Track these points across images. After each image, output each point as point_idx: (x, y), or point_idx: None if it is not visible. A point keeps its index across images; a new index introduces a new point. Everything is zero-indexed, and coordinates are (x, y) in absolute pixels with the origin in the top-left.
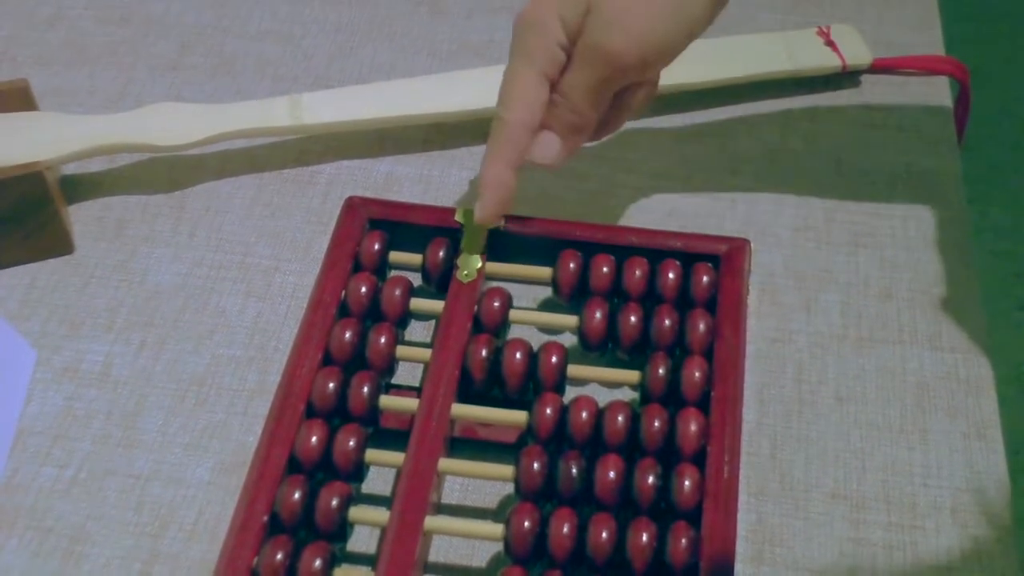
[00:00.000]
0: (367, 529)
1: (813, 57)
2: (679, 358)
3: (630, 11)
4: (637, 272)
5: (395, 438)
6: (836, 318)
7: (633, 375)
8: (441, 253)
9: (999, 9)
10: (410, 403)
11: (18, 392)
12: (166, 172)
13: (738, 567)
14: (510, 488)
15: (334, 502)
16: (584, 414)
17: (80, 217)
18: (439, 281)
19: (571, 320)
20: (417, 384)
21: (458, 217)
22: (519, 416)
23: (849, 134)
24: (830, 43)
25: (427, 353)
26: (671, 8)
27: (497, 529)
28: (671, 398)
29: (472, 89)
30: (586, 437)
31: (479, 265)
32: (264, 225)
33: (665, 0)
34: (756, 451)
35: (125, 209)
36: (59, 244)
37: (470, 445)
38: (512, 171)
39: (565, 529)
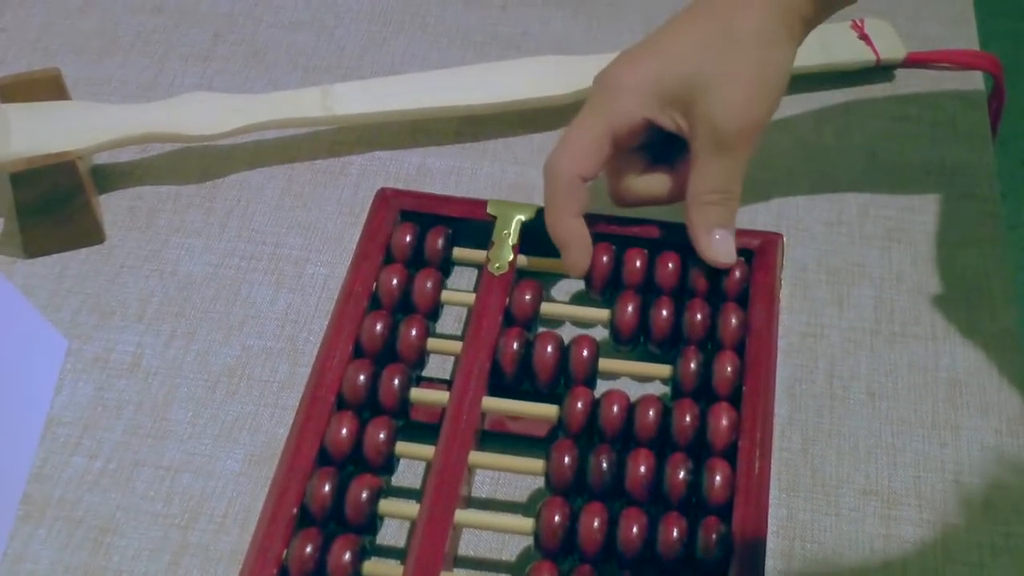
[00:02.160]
0: (397, 522)
1: (847, 51)
2: (711, 352)
3: (739, 86)
4: (669, 266)
5: (425, 431)
6: (868, 313)
7: (664, 369)
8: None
9: None
10: (441, 396)
11: (48, 381)
12: (197, 162)
13: (769, 563)
14: (540, 482)
15: (364, 495)
16: (615, 408)
17: (111, 207)
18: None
19: (603, 314)
20: (448, 377)
21: (490, 209)
22: (550, 410)
23: (882, 128)
24: (864, 37)
25: (458, 346)
26: (764, 73)
27: (527, 523)
28: (702, 392)
29: (505, 81)
30: (617, 431)
31: (511, 258)
32: (295, 216)
33: (756, 65)
34: (787, 446)
35: (156, 199)
36: (90, 234)
37: (500, 439)
38: (580, 220)
39: (595, 524)
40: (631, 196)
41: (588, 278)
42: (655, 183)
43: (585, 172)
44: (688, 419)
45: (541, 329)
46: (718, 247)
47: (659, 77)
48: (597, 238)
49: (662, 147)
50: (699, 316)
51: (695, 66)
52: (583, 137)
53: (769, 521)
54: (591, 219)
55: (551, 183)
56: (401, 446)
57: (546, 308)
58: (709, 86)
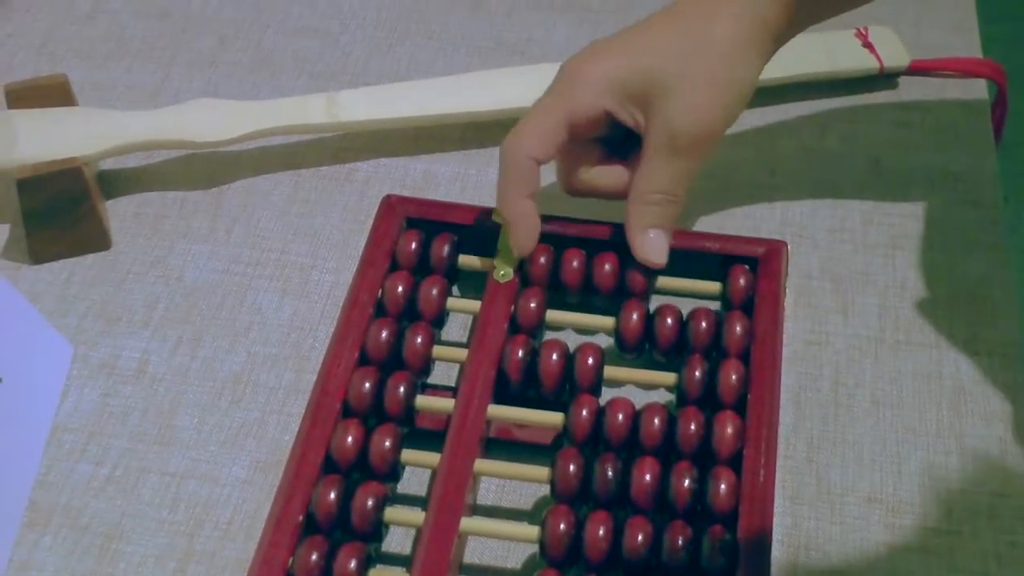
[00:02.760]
0: (402, 530)
1: (851, 59)
2: (715, 360)
3: (702, 93)
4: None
5: (431, 438)
6: (873, 321)
7: (669, 377)
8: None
9: None
10: (446, 403)
11: (54, 388)
12: (203, 168)
13: (773, 571)
14: (546, 490)
15: (370, 502)
16: (620, 416)
17: (117, 213)
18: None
19: (608, 321)
20: (453, 384)
21: (496, 217)
22: (555, 417)
23: (886, 135)
24: (868, 45)
25: (463, 353)
26: (727, 82)
27: (532, 531)
28: (707, 401)
29: (510, 87)
30: (622, 439)
31: (516, 266)
32: (301, 223)
33: (720, 73)
34: (792, 454)
35: (162, 205)
36: (96, 239)
37: (506, 446)
38: (532, 201)
39: (600, 532)
40: (582, 186)
41: (594, 285)
42: (608, 175)
43: (539, 155)
44: (693, 427)
45: (547, 336)
46: (650, 246)
47: (623, 71)
48: (602, 245)
49: (620, 141)
50: (704, 324)
51: (660, 65)
52: (541, 121)
53: (774, 529)
54: (595, 227)
55: (505, 163)
56: (406, 453)
57: (551, 316)
58: (670, 88)
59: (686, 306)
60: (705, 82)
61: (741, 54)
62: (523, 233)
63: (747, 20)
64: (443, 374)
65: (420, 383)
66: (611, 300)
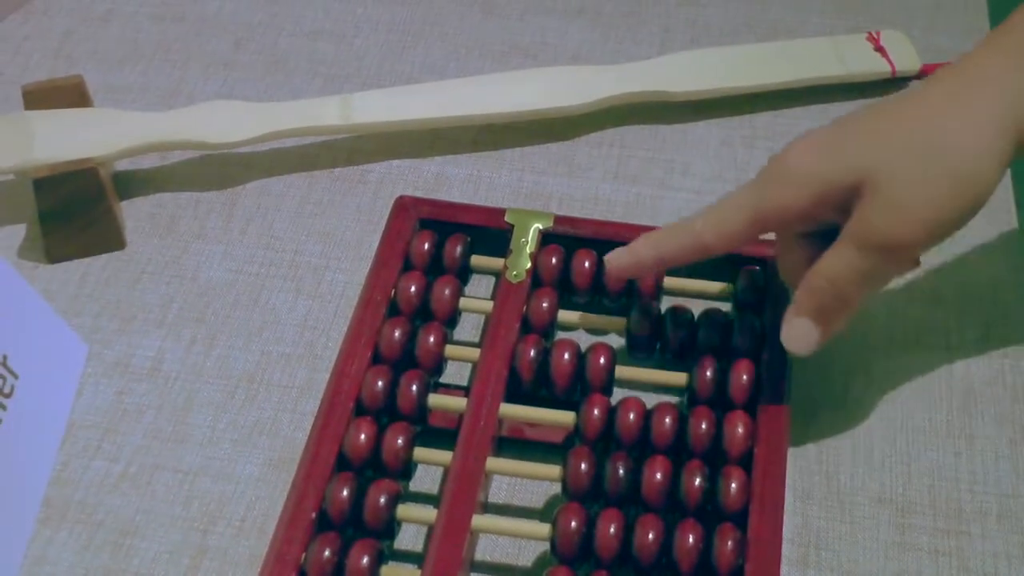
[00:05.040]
0: (414, 527)
1: (863, 62)
2: (726, 361)
3: (913, 194)
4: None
5: (443, 437)
6: (883, 321)
7: (681, 377)
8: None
9: None
10: (458, 402)
11: (69, 385)
12: (218, 170)
13: (783, 570)
14: (557, 488)
15: (382, 500)
16: (632, 415)
17: (132, 213)
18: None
19: (619, 322)
20: (465, 383)
21: (508, 218)
22: (567, 416)
23: None
24: (880, 49)
25: (476, 353)
26: (952, 183)
27: (544, 529)
28: (718, 401)
29: (523, 90)
30: (633, 438)
31: (528, 266)
32: (315, 223)
33: (946, 176)
34: (802, 454)
35: (177, 206)
36: (111, 240)
37: (518, 445)
38: (656, 262)
39: (612, 530)
40: (792, 278)
41: (604, 285)
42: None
43: (712, 245)
44: (704, 427)
45: (558, 336)
46: (791, 332)
47: (829, 171)
48: (614, 245)
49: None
50: (714, 325)
51: (873, 165)
52: (725, 215)
53: (784, 528)
54: (608, 226)
55: (679, 233)
56: (419, 451)
57: (563, 316)
58: (880, 185)
59: (697, 306)
60: (928, 189)
61: (984, 160)
62: (626, 259)
63: (1001, 121)
64: (456, 373)
65: (433, 382)
66: (622, 301)
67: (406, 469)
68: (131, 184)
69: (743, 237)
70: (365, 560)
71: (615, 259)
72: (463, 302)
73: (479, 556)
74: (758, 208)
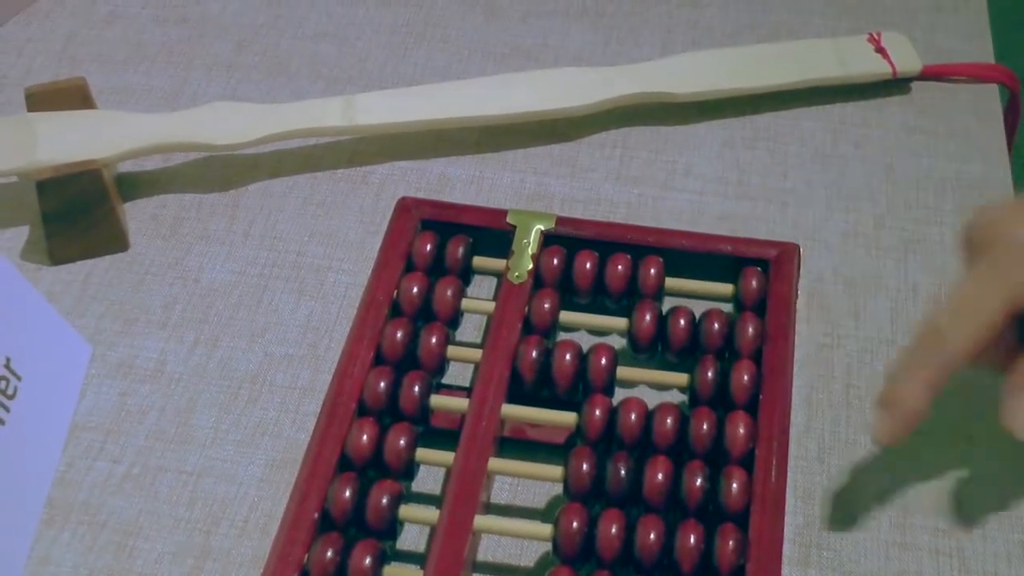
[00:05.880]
0: (417, 527)
1: (864, 64)
2: (728, 361)
3: None
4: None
5: (445, 437)
6: (885, 323)
7: (682, 378)
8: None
9: None
10: (460, 403)
11: (73, 387)
12: (221, 171)
13: (785, 570)
14: (559, 488)
15: (384, 500)
16: (633, 416)
17: (135, 215)
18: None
19: (621, 323)
20: (468, 384)
21: (510, 219)
22: (568, 417)
23: (899, 140)
24: (881, 50)
25: (478, 353)
26: None
27: (546, 529)
28: (720, 401)
29: (525, 92)
30: (635, 439)
31: (530, 267)
32: (317, 224)
33: None
34: (804, 455)
35: (180, 207)
36: (115, 241)
37: (519, 445)
38: (929, 396)
39: (613, 530)
40: (1004, 362)
41: (606, 286)
42: None
43: (973, 347)
44: (705, 427)
45: (560, 337)
46: (1017, 411)
47: None
48: (616, 247)
49: None
50: (716, 325)
51: None
52: (974, 303)
53: (785, 528)
54: (610, 227)
55: (929, 346)
56: (421, 452)
57: (565, 316)
58: None
59: (698, 307)
60: None
61: None
62: (894, 416)
63: None
64: (458, 374)
65: (435, 383)
66: (623, 301)
67: (408, 470)
68: (134, 186)
69: (997, 334)
70: (367, 560)
71: (885, 430)
72: (465, 303)
73: (481, 556)
74: (1012, 299)
